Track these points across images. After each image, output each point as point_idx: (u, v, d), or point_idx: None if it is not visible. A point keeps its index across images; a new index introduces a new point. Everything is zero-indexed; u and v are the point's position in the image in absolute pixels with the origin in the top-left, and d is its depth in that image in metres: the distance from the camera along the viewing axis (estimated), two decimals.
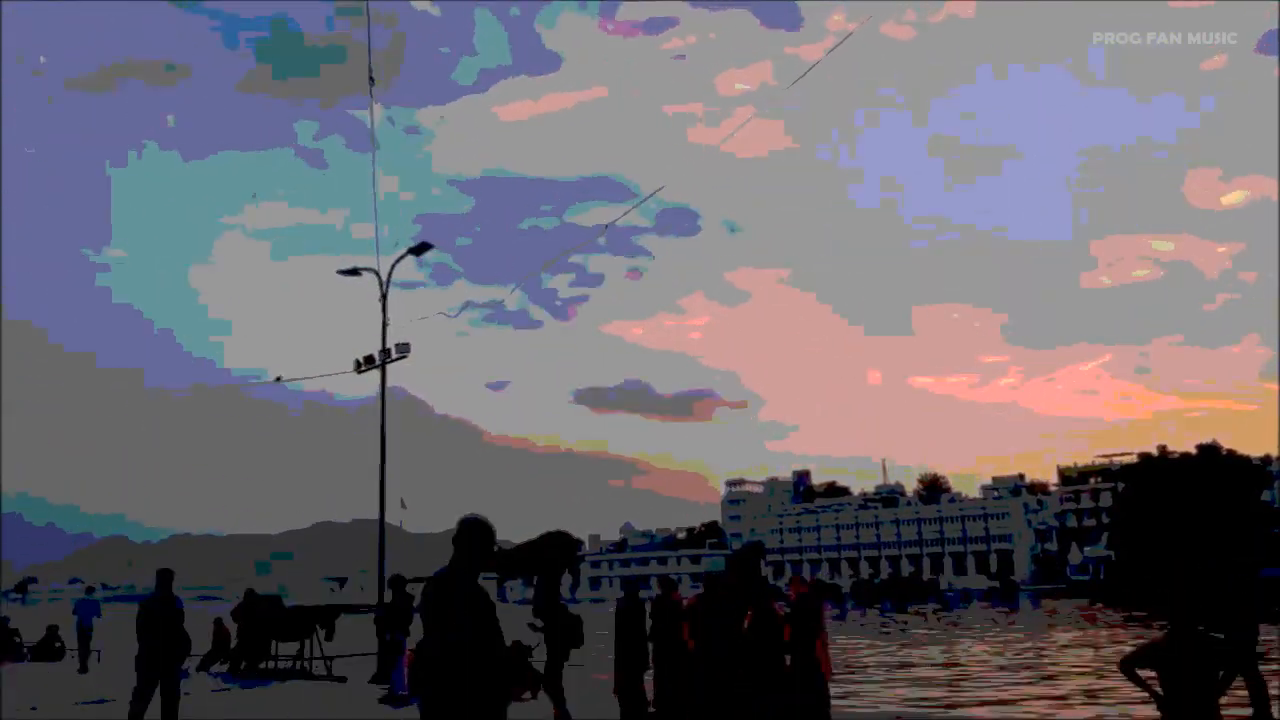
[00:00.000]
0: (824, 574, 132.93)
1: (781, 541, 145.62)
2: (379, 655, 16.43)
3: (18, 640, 25.66)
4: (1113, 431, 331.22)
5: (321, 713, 11.65)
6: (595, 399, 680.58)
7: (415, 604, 16.60)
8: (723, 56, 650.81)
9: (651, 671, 9.53)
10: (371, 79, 18.19)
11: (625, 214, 18.32)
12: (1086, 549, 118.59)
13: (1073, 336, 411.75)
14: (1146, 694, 5.65)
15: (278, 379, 23.66)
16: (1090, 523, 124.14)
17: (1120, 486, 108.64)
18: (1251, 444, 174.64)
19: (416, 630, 15.81)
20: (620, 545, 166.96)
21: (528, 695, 12.87)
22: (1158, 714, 5.65)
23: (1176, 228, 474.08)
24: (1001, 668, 23.15)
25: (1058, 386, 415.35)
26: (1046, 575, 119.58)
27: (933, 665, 24.58)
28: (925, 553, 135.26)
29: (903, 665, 24.65)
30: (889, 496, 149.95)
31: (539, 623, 10.17)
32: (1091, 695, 17.34)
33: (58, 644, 25.15)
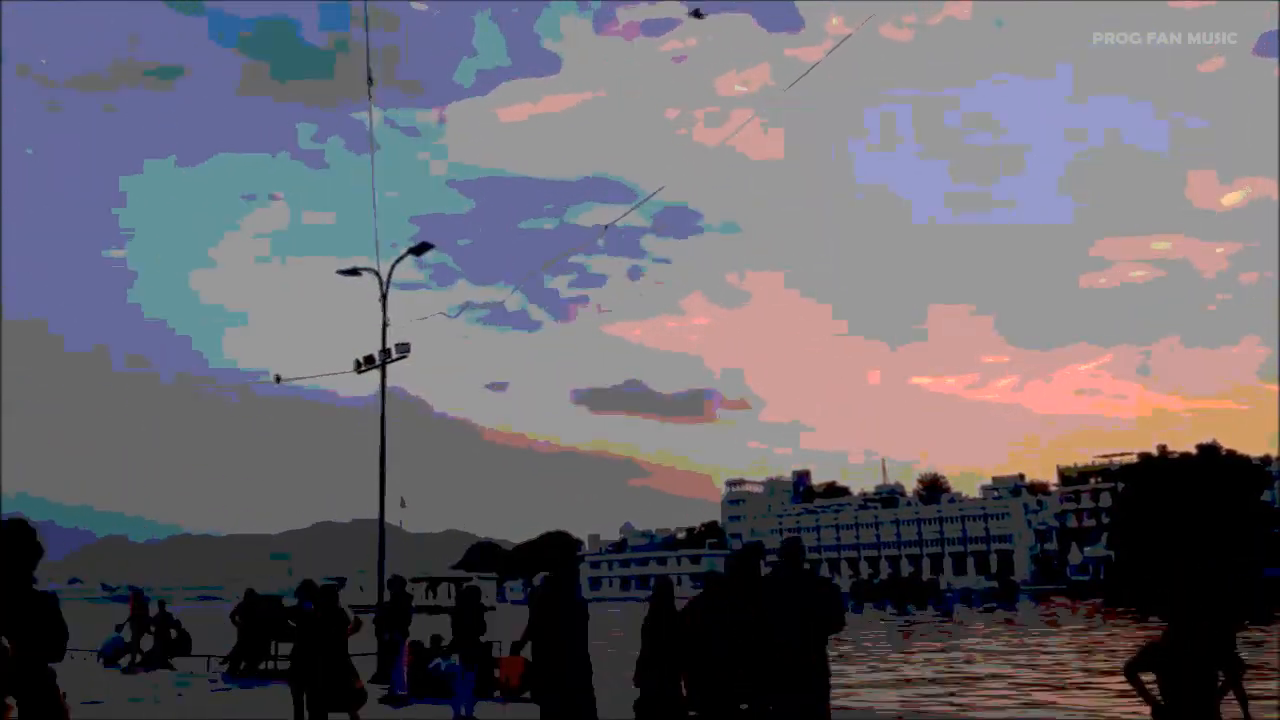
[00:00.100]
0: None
1: (781, 542, 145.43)
2: (379, 655, 16.41)
3: None
4: (1113, 431, 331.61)
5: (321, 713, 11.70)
6: (595, 399, 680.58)
7: (414, 604, 16.60)
8: (722, 58, 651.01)
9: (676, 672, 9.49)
10: (370, 80, 18.12)
11: (625, 214, 18.20)
12: (1086, 549, 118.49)
13: (1072, 337, 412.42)
14: (1146, 702, 5.64)
15: (277, 379, 23.59)
16: (1090, 523, 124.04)
17: (1120, 486, 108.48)
18: (1251, 444, 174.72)
19: (416, 630, 15.77)
20: (620, 545, 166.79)
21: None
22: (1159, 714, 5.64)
23: (1176, 228, 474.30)
24: (1001, 668, 23.13)
25: (1057, 387, 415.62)
26: (1046, 575, 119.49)
27: (932, 665, 24.56)
28: (925, 553, 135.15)
29: (902, 665, 24.63)
30: (889, 497, 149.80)
31: None
32: (1092, 695, 17.34)
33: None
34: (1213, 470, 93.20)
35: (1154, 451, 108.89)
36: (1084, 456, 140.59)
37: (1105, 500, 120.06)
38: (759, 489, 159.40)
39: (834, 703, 7.32)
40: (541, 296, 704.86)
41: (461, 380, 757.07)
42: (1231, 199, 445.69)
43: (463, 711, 11.38)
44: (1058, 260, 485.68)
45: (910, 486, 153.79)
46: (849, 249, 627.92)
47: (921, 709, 15.95)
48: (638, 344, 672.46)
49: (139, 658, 20.58)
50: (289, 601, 15.28)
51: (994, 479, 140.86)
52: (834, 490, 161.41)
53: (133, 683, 17.53)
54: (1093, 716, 15.17)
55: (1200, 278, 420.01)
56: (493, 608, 36.94)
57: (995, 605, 71.58)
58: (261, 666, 18.60)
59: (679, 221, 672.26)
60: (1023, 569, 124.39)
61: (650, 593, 8.97)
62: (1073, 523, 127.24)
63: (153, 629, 20.94)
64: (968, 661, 25.43)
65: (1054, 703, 16.73)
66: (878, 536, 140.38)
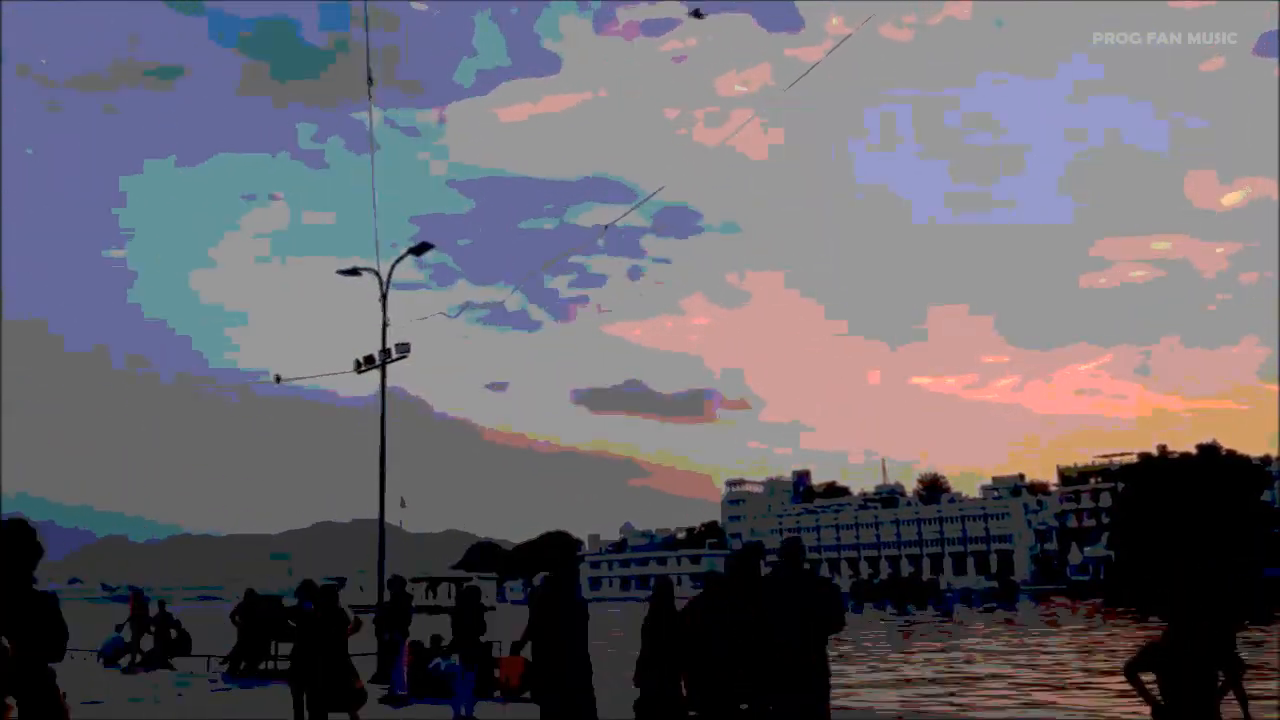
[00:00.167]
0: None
1: (781, 542, 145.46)
2: (378, 655, 16.41)
3: None
4: (1113, 431, 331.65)
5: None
6: (595, 399, 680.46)
7: (414, 604, 16.60)
8: (723, 58, 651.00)
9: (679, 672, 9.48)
10: (370, 80, 18.11)
11: (625, 214, 18.20)
12: (1086, 549, 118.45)
13: (1072, 337, 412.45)
14: (1146, 702, 5.64)
15: (277, 379, 23.59)
16: (1090, 523, 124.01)
17: (1120, 486, 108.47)
18: (1251, 444, 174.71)
19: (416, 630, 15.75)
20: (620, 545, 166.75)
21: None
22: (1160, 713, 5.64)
23: (1176, 228, 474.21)
24: (1001, 668, 23.13)
25: (1057, 387, 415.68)
26: (1046, 575, 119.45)
27: (932, 666, 24.55)
28: (925, 553, 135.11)
29: (902, 666, 24.62)
30: (889, 497, 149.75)
31: None
32: (1092, 695, 17.34)
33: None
34: (1213, 470, 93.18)
35: (1154, 451, 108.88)
36: (1084, 456, 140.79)
37: (1105, 500, 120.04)
38: (759, 489, 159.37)
39: (834, 703, 7.32)
40: (541, 296, 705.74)
41: (461, 380, 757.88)
42: (1231, 199, 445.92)
43: (463, 711, 11.38)
44: (1058, 260, 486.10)
45: (910, 486, 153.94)
46: (849, 249, 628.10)
47: (921, 709, 15.94)
48: (638, 344, 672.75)
49: (139, 658, 20.58)
50: (289, 601, 15.28)
51: (994, 479, 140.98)
52: (834, 490, 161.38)
53: (133, 683, 17.53)
54: (1093, 716, 15.17)
55: (1200, 278, 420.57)
56: (493, 608, 36.92)
57: (995, 605, 71.57)
58: (261, 666, 18.61)
59: (679, 221, 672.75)
60: (1023, 569, 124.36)
61: (650, 593, 8.97)
62: (1073, 523, 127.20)
63: (153, 629, 20.95)
64: (968, 661, 25.42)
65: (1054, 703, 16.73)
66: (878, 536, 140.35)
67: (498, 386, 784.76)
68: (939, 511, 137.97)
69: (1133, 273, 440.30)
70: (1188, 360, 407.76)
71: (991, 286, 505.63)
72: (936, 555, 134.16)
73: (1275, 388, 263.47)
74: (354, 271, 20.84)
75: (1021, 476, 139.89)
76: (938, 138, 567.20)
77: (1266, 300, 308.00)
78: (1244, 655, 5.97)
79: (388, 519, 20.21)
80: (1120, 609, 50.83)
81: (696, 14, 17.11)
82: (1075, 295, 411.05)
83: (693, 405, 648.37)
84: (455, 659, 12.38)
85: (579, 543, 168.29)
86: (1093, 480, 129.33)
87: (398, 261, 20.78)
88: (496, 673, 14.42)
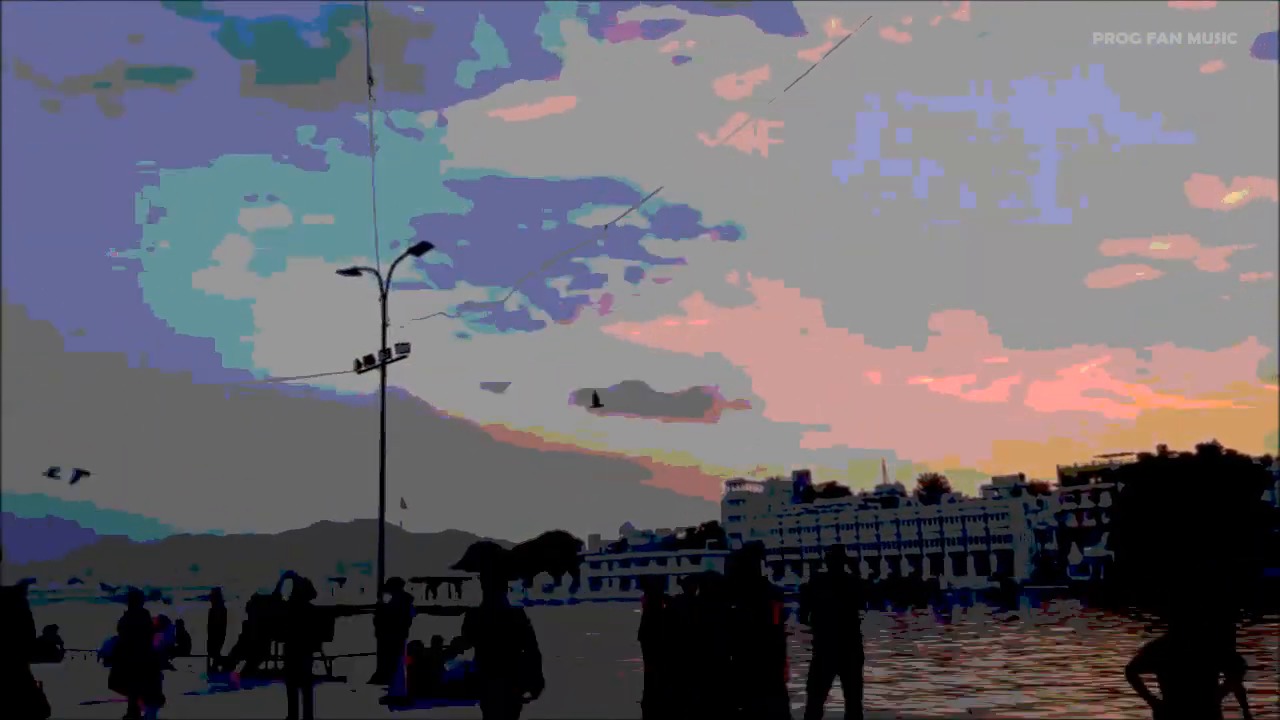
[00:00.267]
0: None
1: (781, 542, 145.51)
2: (378, 655, 16.41)
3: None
4: (1113, 431, 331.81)
5: (322, 713, 11.66)
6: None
7: (414, 604, 16.62)
8: (722, 60, 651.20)
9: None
10: (370, 81, 18.12)
11: (625, 214, 18.30)
12: (1086, 549, 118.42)
13: (1073, 337, 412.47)
14: (1147, 702, 5.64)
15: (278, 379, 23.60)
16: (1090, 523, 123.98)
17: (1120, 486, 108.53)
18: (1251, 444, 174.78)
19: (416, 630, 15.76)
20: (620, 545, 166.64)
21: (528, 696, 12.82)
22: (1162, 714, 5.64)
23: (1176, 228, 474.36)
24: (1001, 668, 23.13)
25: (1057, 387, 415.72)
26: (1046, 575, 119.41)
27: (932, 665, 24.55)
28: (925, 553, 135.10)
29: (902, 665, 24.62)
30: (889, 497, 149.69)
31: None
32: (1092, 694, 17.33)
33: (59, 644, 25.05)
34: (1213, 470, 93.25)
35: (1154, 451, 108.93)
36: (1084, 456, 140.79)
37: (1105, 500, 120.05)
38: (759, 489, 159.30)
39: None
40: (541, 296, 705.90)
41: (461, 380, 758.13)
42: (1231, 199, 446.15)
43: None
44: (1058, 261, 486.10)
45: (910, 486, 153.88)
46: (849, 249, 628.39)
47: (922, 709, 15.95)
48: (638, 344, 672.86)
49: None
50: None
51: (994, 479, 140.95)
52: (834, 490, 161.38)
53: None
54: (1093, 717, 15.17)
55: (1200, 278, 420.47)
56: None
57: (995, 605, 71.56)
58: (262, 666, 18.63)
59: (679, 221, 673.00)
60: (1023, 569, 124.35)
61: (642, 595, 8.97)
62: (1073, 523, 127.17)
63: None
64: (968, 661, 25.43)
65: (1054, 703, 16.73)
66: (878, 536, 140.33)
67: (498, 386, 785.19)
68: (939, 511, 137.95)
69: (1133, 273, 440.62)
70: (1188, 360, 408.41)
71: (992, 287, 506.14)
72: (936, 555, 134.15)
73: (1275, 388, 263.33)
74: (354, 271, 20.86)
75: (1021, 476, 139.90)
76: (938, 138, 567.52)
77: (1266, 300, 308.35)
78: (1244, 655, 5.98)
79: (388, 519, 20.22)
80: (1120, 609, 50.80)
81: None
82: (1076, 295, 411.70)
83: (693, 405, 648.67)
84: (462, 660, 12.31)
85: (579, 543, 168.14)
86: (1093, 480, 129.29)
87: (397, 262, 20.82)
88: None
